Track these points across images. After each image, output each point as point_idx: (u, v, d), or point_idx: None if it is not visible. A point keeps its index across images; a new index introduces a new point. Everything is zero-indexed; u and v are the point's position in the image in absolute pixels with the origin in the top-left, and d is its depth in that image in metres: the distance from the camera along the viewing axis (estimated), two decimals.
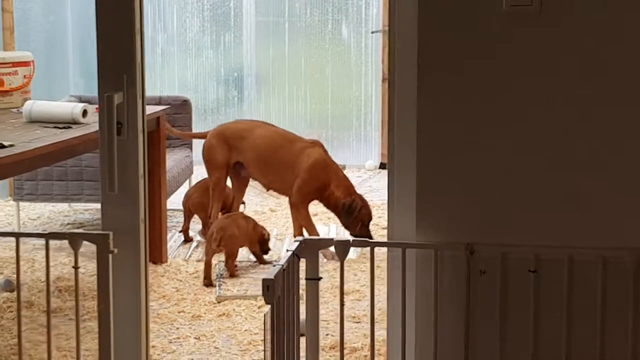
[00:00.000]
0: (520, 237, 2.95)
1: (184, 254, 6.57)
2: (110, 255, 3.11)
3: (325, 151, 6.70)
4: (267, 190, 7.06)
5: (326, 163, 6.61)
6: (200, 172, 7.46)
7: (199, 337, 5.05)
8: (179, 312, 5.42)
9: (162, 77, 9.74)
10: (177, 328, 5.19)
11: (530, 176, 2.95)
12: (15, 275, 3.25)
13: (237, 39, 9.65)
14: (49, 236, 3.16)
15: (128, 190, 3.25)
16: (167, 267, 6.24)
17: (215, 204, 6.70)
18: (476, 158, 2.97)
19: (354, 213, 6.58)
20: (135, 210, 3.27)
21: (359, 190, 8.56)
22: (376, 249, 3.08)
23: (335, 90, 9.72)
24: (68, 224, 7.36)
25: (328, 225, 7.46)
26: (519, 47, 2.91)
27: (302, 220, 6.63)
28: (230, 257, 6.11)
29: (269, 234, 6.42)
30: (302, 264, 3.07)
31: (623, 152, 2.89)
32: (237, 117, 9.41)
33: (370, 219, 6.67)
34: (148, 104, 6.06)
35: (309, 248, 3.01)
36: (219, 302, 5.61)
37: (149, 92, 9.41)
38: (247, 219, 6.32)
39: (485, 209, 2.98)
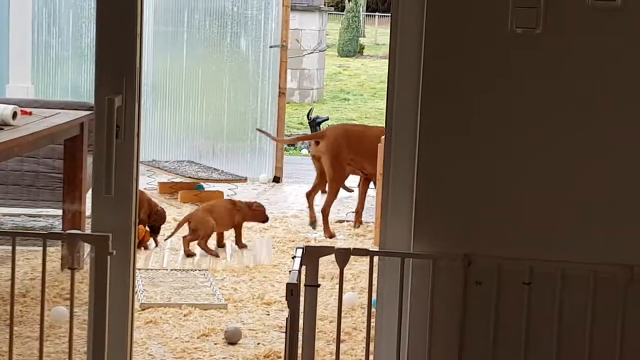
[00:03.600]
0: (513, 250, 3.08)
1: None
2: (108, 257, 3.10)
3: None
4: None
5: None
6: None
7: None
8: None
9: (54, 82, 9.60)
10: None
11: (528, 190, 3.08)
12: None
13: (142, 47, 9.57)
14: (47, 236, 3.13)
15: (122, 193, 3.25)
16: (84, 272, 6.18)
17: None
18: (475, 170, 3.09)
19: None
20: (128, 213, 3.28)
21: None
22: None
23: (232, 102, 9.77)
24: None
25: None
26: (521, 67, 3.05)
27: None
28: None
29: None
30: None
31: (618, 170, 3.05)
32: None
33: None
34: (52, 109, 6.12)
35: (309, 255, 3.07)
36: (143, 310, 5.60)
37: (41, 97, 9.32)
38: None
39: (482, 221, 3.10)
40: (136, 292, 5.82)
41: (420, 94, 3.09)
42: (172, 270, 6.45)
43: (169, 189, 8.74)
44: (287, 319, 2.71)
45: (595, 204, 3.07)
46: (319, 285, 3.12)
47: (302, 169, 10.75)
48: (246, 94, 9.72)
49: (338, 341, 3.16)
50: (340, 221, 8.10)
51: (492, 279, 3.08)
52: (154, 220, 6.97)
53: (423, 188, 3.10)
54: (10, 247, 3.15)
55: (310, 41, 15.89)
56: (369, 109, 16.67)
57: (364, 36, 27.07)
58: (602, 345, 3.08)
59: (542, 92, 3.05)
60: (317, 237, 7.55)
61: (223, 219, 7.02)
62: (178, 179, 8.79)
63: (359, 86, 18.80)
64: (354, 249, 3.12)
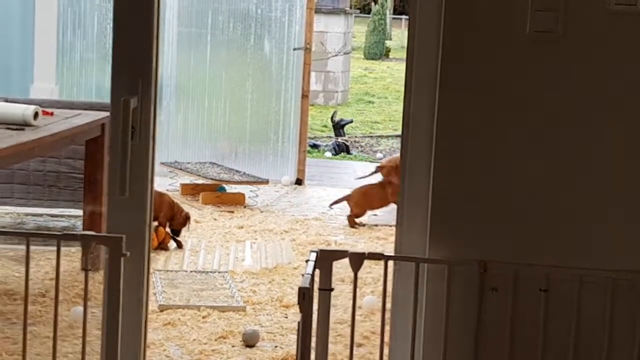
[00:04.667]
0: (530, 256, 3.05)
1: None
2: (122, 259, 3.08)
3: None
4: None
5: None
6: None
7: (148, 345, 5.01)
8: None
9: (79, 83, 9.61)
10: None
11: (545, 195, 3.05)
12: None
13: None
14: (61, 237, 3.13)
15: (137, 195, 3.24)
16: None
17: None
18: (491, 175, 3.06)
19: None
20: (143, 215, 3.26)
21: (278, 204, 8.68)
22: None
23: (255, 104, 9.76)
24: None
25: None
26: (539, 70, 3.02)
27: None
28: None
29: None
30: None
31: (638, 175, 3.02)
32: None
33: None
34: (75, 109, 6.13)
35: (323, 259, 3.05)
36: (161, 311, 5.59)
37: (65, 98, 9.34)
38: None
39: (497, 227, 3.07)
40: (154, 293, 5.84)
41: (437, 98, 3.06)
42: (191, 272, 6.44)
43: (190, 190, 8.74)
44: (299, 322, 2.69)
45: (613, 210, 3.03)
46: (332, 289, 3.10)
47: (325, 172, 10.74)
48: (269, 96, 9.71)
49: (352, 345, 3.13)
50: (362, 224, 8.07)
51: (508, 285, 3.04)
52: (178, 224, 6.97)
53: (439, 193, 3.08)
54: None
55: (335, 44, 15.86)
56: (393, 111, 16.63)
57: (391, 39, 27.02)
58: (620, 353, 3.04)
59: (561, 96, 3.02)
60: (339, 240, 7.52)
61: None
62: (200, 181, 8.78)
63: (384, 89, 18.77)
64: (368, 253, 3.09)
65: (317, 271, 3.03)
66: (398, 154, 7.13)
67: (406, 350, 3.11)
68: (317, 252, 3.05)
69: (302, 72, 9.61)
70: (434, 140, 3.07)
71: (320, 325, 3.08)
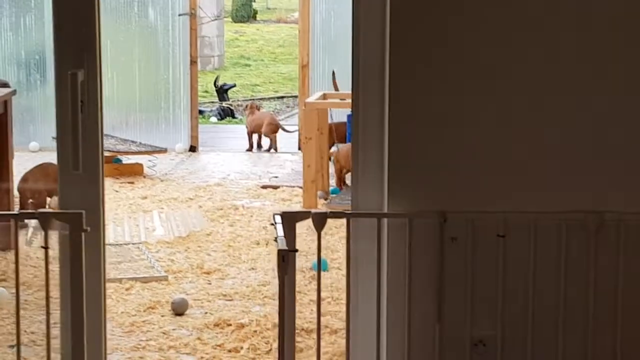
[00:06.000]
0: (486, 205, 3.13)
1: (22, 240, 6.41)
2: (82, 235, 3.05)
3: None
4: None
5: None
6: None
7: None
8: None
9: None
10: (51, 314, 5.08)
11: (497, 146, 3.13)
12: None
13: (39, 21, 9.40)
14: (19, 217, 3.08)
15: (89, 170, 3.21)
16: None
17: None
18: (445, 127, 3.12)
19: None
20: (96, 190, 3.24)
21: (176, 172, 8.64)
22: None
23: (143, 72, 9.65)
24: None
25: None
26: (488, 20, 3.09)
27: None
28: None
29: None
30: None
31: (585, 122, 3.13)
32: (41, 100, 9.23)
33: None
34: None
35: (287, 221, 3.07)
36: None
37: None
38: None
39: (454, 178, 3.14)
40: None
41: (388, 53, 3.10)
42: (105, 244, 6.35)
43: None
44: (279, 285, 2.71)
45: (564, 154, 3.13)
46: (297, 250, 3.12)
47: (214, 138, 10.70)
48: (157, 63, 9.62)
49: (319, 303, 3.16)
50: (265, 187, 8.10)
51: (467, 234, 3.12)
52: None
53: (396, 149, 3.12)
54: None
55: (208, 8, 15.74)
56: (271, 73, 16.62)
57: (255, 1, 26.90)
58: (575, 289, 3.15)
59: (512, 40, 3.09)
60: (245, 204, 7.53)
61: None
62: None
63: (258, 51, 18.70)
64: (330, 212, 3.13)
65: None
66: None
67: (371, 305, 3.16)
68: (280, 214, 3.06)
69: (188, 38, 9.53)
70: (387, 98, 3.12)
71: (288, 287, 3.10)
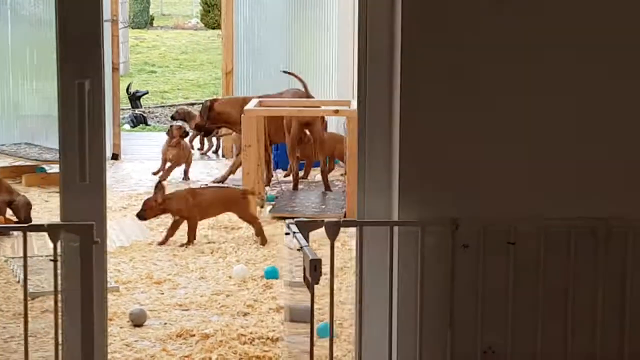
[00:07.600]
0: (497, 212, 3.17)
1: None
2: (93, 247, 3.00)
3: None
4: None
5: None
6: None
7: (35, 335, 4.86)
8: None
9: None
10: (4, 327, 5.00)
11: (507, 154, 3.17)
12: None
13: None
14: (27, 229, 3.01)
15: (94, 180, 3.15)
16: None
17: None
18: (457, 136, 3.15)
19: None
20: (101, 200, 3.18)
21: None
22: None
23: None
24: None
25: None
26: (500, 34, 3.13)
27: None
28: None
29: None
30: None
31: (591, 130, 3.19)
32: None
33: None
34: None
35: (301, 229, 3.06)
36: (33, 299, 5.41)
37: None
38: None
39: (466, 186, 3.16)
40: (17, 281, 5.64)
41: (400, 62, 3.11)
42: (47, 256, 6.23)
43: (9, 173, 8.41)
44: (311, 294, 2.70)
45: (575, 162, 3.18)
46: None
47: (129, 145, 10.56)
48: None
49: (331, 312, 3.15)
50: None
51: (478, 241, 3.14)
52: (25, 211, 6.72)
53: (407, 157, 3.13)
54: None
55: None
56: (179, 80, 16.49)
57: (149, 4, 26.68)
58: (585, 294, 3.20)
59: (523, 52, 3.13)
60: None
61: None
62: (18, 163, 8.48)
63: (161, 58, 18.56)
64: (343, 220, 3.13)
65: None
66: None
67: (383, 314, 3.16)
68: (294, 223, 3.05)
69: (110, 44, 9.40)
70: (398, 107, 3.13)
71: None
